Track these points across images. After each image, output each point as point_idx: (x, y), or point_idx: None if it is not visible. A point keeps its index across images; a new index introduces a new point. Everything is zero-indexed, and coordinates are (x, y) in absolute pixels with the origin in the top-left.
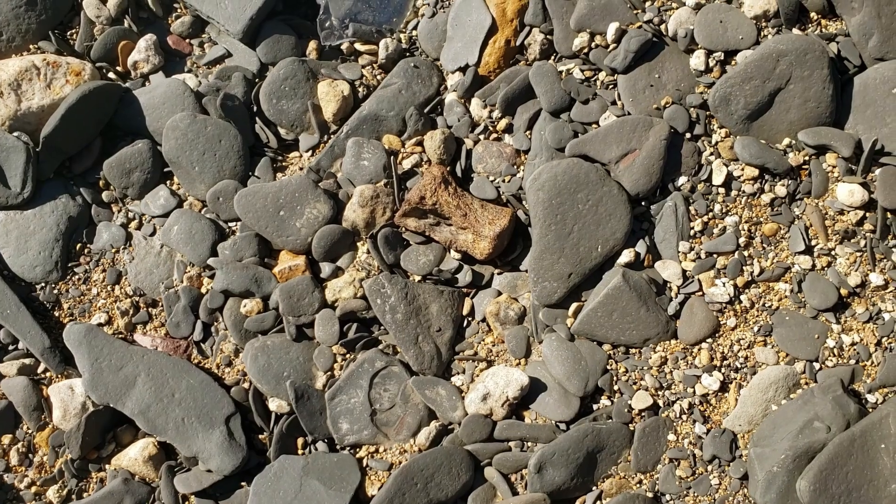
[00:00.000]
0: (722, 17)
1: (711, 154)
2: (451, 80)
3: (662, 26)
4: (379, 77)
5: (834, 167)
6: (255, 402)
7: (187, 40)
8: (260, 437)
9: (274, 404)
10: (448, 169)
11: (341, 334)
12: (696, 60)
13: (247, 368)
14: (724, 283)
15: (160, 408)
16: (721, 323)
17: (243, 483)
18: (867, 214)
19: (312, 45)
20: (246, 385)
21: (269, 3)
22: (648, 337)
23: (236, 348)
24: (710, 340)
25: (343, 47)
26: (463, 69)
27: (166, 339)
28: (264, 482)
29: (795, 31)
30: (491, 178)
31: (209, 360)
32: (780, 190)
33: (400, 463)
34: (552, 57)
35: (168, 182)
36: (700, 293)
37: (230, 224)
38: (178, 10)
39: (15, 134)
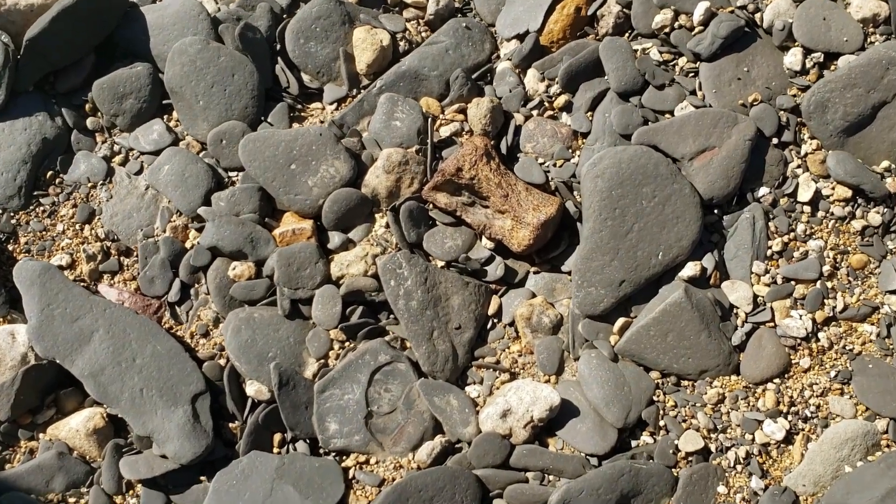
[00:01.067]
0: (826, 15)
1: (799, 166)
2: (505, 48)
3: (757, 15)
4: (424, 34)
5: None
6: (231, 382)
7: None
8: (230, 425)
9: (252, 388)
10: (492, 142)
11: (343, 317)
12: (792, 58)
13: (226, 342)
14: (800, 316)
15: (116, 373)
16: (793, 362)
17: (203, 477)
18: None
19: None
20: (222, 361)
21: None
22: (706, 368)
23: (217, 317)
24: (777, 381)
25: None
26: (521, 36)
27: (136, 295)
28: (228, 480)
29: None
30: (541, 160)
31: (183, 326)
32: (875, 218)
33: (393, 479)
34: (627, 33)
35: (165, 116)
36: (772, 324)
37: (231, 173)
38: None
39: None
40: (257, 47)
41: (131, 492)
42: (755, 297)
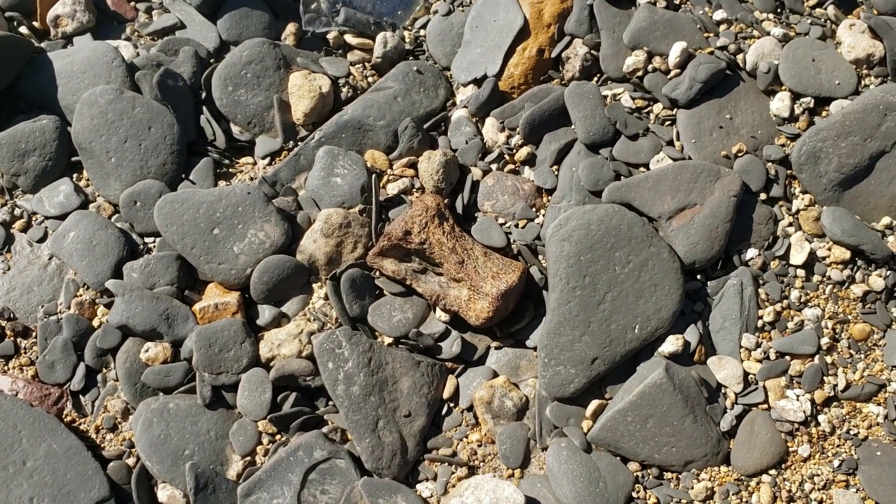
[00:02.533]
0: (815, 56)
1: (791, 225)
2: (462, 93)
3: (740, 56)
4: (371, 79)
5: None
6: (140, 487)
7: (132, 3)
8: None
9: (165, 493)
10: (446, 201)
11: (273, 405)
12: (780, 104)
13: (136, 438)
14: (797, 397)
15: (1, 479)
16: (790, 450)
17: None
18: None
19: (291, 28)
20: (131, 461)
21: None
22: (692, 459)
23: (126, 407)
24: (773, 472)
25: (329, 37)
26: (479, 81)
27: (33, 384)
28: None
29: None
30: (501, 220)
31: (87, 419)
32: (877, 282)
33: None
34: (596, 77)
35: (74, 175)
36: (765, 406)
37: (146, 239)
38: None
39: None
40: (179, 96)
41: None
42: (746, 374)
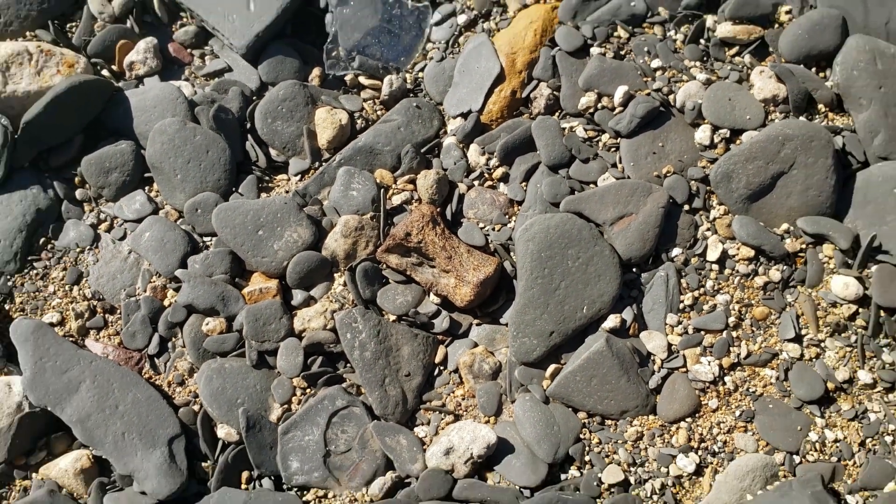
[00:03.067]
0: (731, 96)
1: (708, 229)
2: (451, 124)
3: (671, 96)
4: (379, 112)
5: (830, 258)
6: (203, 426)
7: (189, 50)
8: (203, 464)
9: (223, 431)
10: (438, 210)
11: (304, 366)
12: (702, 134)
13: (199, 390)
14: (709, 362)
15: (101, 418)
16: (702, 403)
17: None
18: (860, 310)
19: (316, 71)
20: (196, 407)
21: (276, 24)
22: (626, 409)
23: (191, 367)
24: (689, 420)
25: (347, 78)
26: (465, 115)
27: (119, 349)
28: None
29: (802, 119)
30: (481, 224)
31: (161, 376)
32: (775, 274)
33: None
34: (556, 113)
35: (147, 188)
36: (684, 369)
37: (205, 238)
38: (184, 19)
39: None
40: (229, 126)
41: None
42: (669, 345)
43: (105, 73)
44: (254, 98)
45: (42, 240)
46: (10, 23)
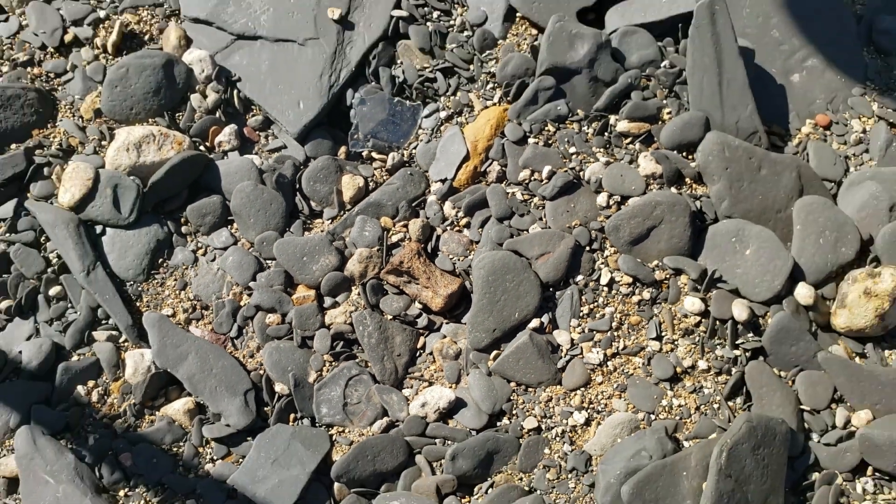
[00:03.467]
0: (622, 173)
1: (602, 263)
2: (433, 187)
3: (581, 173)
4: (385, 177)
5: (685, 285)
6: (266, 384)
7: (257, 132)
8: (265, 408)
9: (279, 387)
10: (422, 246)
11: (331, 347)
12: (601, 199)
13: (264, 361)
14: (597, 352)
15: (201, 377)
16: (592, 378)
17: (249, 438)
18: (702, 320)
19: (343, 149)
20: (261, 372)
21: (318, 117)
22: (542, 381)
23: (258, 346)
24: (582, 389)
25: (363, 154)
26: (443, 181)
27: (211, 333)
28: (264, 439)
29: (673, 189)
30: (451, 257)
31: (238, 351)
32: (646, 295)
33: (358, 441)
34: (504, 182)
35: (230, 226)
36: (581, 356)
37: (268, 261)
38: (254, 111)
39: (131, 177)
40: (285, 186)
41: (209, 445)
42: (572, 340)
43: (202, 148)
44: (301, 167)
45: (160, 259)
46: (140, 113)
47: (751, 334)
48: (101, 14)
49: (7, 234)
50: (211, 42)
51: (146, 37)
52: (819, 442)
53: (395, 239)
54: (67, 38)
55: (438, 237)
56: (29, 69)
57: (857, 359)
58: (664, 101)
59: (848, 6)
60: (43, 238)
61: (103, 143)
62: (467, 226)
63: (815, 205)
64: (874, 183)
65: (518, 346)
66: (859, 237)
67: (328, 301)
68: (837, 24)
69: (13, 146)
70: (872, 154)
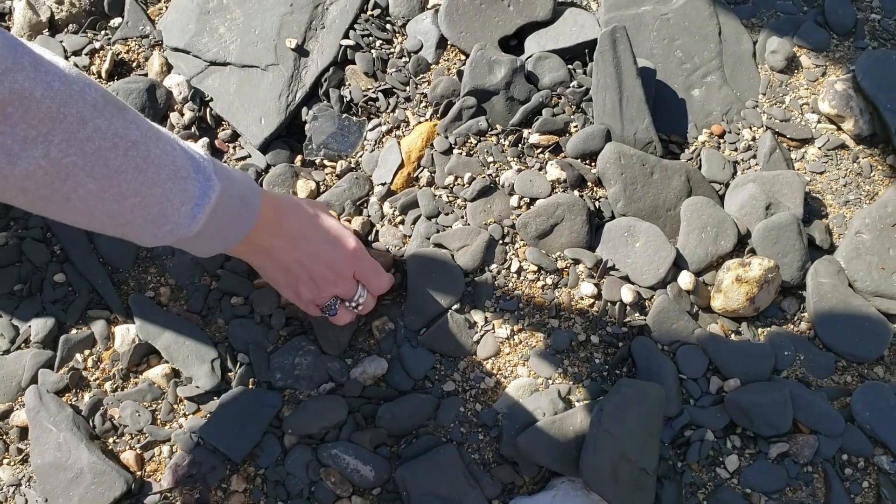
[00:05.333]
0: (532, 179)
1: (513, 254)
2: (375, 189)
3: (497, 178)
4: (334, 181)
5: (582, 272)
6: (230, 354)
7: (226, 143)
8: (229, 373)
9: (240, 357)
10: (364, 236)
11: (286, 324)
12: (514, 201)
13: (229, 336)
14: (507, 328)
15: (176, 347)
16: (501, 350)
17: (215, 397)
18: (595, 301)
19: (298, 157)
20: (226, 344)
21: (278, 130)
22: (460, 352)
23: (225, 322)
24: (493, 359)
25: (316, 161)
26: (383, 184)
27: (185, 312)
28: (227, 398)
29: (576, 192)
30: (387, 247)
31: (208, 327)
32: (549, 281)
33: (305, 400)
34: (432, 185)
35: None
36: (493, 331)
37: None
38: (224, 126)
39: None
40: None
41: (182, 403)
42: (486, 318)
43: None
44: (263, 173)
45: (144, 252)
46: None
47: (637, 314)
48: (97, 45)
49: (19, 231)
50: (188, 68)
51: (134, 64)
52: (694, 405)
53: None
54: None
55: (377, 232)
56: None
57: (732, 335)
58: (572, 117)
59: (748, 28)
60: (48, 234)
61: None
62: (402, 223)
63: (699, 204)
64: (755, 185)
65: (440, 324)
66: (737, 232)
67: None
68: (735, 44)
69: None
70: (759, 160)
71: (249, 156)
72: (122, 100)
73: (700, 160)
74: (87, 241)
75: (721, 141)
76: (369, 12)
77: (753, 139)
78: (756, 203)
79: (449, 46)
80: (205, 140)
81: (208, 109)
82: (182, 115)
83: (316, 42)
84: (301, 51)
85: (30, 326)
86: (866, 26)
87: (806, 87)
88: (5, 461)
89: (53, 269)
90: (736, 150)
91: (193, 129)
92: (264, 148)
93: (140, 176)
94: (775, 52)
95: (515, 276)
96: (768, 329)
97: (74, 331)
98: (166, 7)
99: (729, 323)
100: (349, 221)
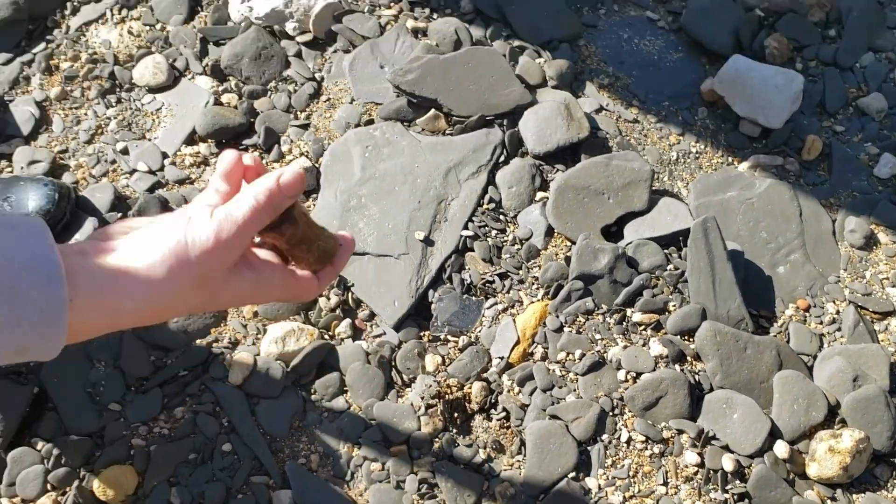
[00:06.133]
0: (637, 354)
1: (622, 425)
2: (493, 361)
3: (605, 354)
4: (457, 354)
5: (686, 442)
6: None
7: (365, 323)
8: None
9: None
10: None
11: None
12: (621, 375)
13: (370, 500)
14: (619, 494)
15: None
16: None
17: None
18: (700, 470)
19: (426, 334)
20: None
21: (408, 311)
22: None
23: (366, 488)
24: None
25: (441, 337)
26: (501, 358)
27: (332, 477)
28: None
29: (676, 366)
30: (507, 415)
31: (351, 490)
32: (656, 449)
33: None
34: (546, 360)
35: (345, 395)
36: (606, 498)
37: (371, 420)
38: (362, 307)
39: (278, 362)
40: (384, 364)
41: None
42: (599, 485)
43: (326, 337)
44: (396, 349)
45: (297, 422)
46: (283, 312)
47: (738, 481)
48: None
49: (193, 406)
50: None
51: None
52: None
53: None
54: None
55: (498, 397)
56: None
57: (828, 502)
58: (670, 297)
59: (826, 207)
60: (217, 408)
61: (259, 336)
62: (519, 393)
63: (791, 377)
64: (841, 358)
65: (557, 491)
66: (827, 403)
67: (415, 453)
68: (816, 224)
69: (197, 341)
70: (844, 332)
71: (384, 333)
72: None
73: (788, 334)
74: (249, 412)
75: (807, 315)
76: (485, 206)
77: (837, 312)
78: (844, 376)
79: (556, 234)
80: (347, 321)
81: (350, 293)
82: (329, 299)
83: (440, 233)
84: (428, 241)
85: (203, 492)
86: None
87: (885, 263)
88: None
89: (222, 440)
90: (821, 323)
91: (338, 311)
92: (397, 326)
93: None
94: (854, 231)
95: (625, 445)
96: (862, 495)
97: (240, 496)
98: (313, 205)
99: (824, 489)
100: (470, 389)
